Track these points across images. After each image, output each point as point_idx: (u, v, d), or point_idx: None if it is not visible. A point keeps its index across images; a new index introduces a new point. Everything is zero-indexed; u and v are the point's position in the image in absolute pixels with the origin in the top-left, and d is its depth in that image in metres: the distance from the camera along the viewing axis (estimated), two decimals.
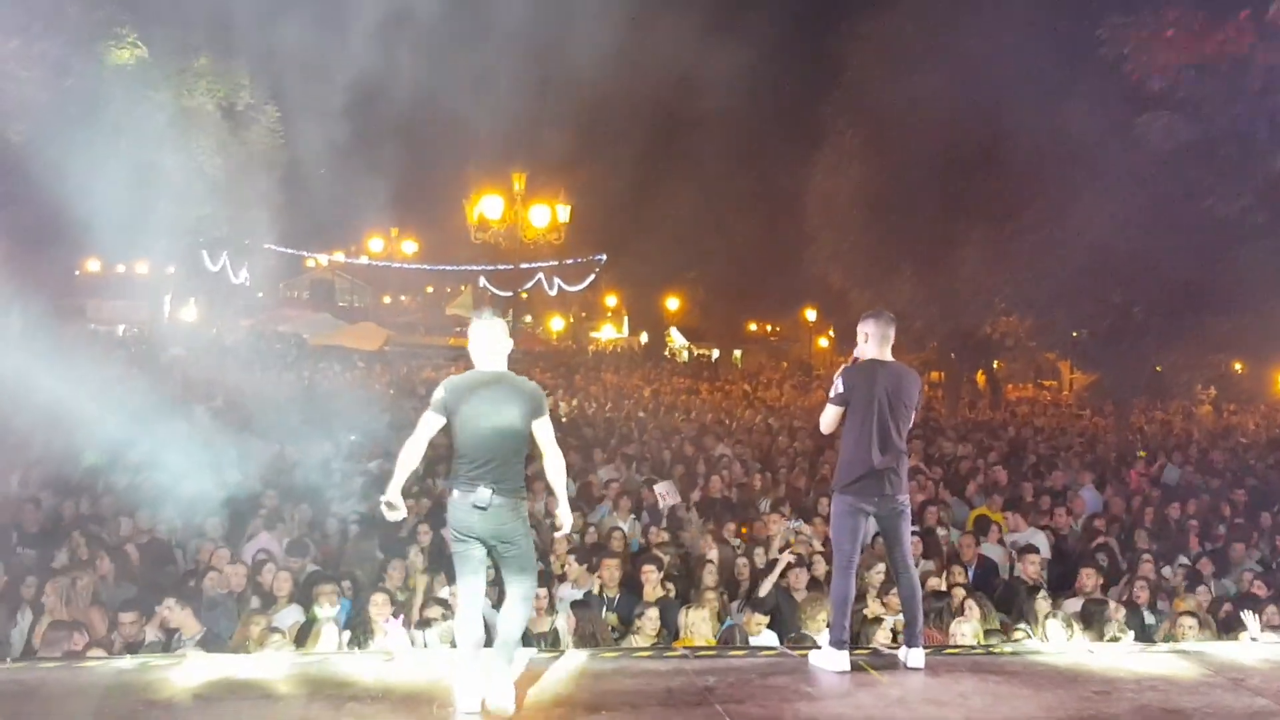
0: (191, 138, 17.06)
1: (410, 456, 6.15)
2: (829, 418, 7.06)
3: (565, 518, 6.57)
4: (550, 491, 7.17)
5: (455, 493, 6.07)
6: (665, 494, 13.45)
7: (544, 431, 6.22)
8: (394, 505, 6.13)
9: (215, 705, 6.09)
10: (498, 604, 6.95)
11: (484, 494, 5.96)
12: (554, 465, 6.30)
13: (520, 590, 6.21)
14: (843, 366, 7.21)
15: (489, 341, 6.25)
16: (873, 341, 7.01)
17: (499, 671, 6.00)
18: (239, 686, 6.40)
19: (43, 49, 10.45)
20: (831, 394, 7.02)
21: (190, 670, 6.68)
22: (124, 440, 12.76)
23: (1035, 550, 10.85)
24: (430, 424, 6.11)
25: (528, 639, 8.66)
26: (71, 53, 10.82)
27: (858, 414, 6.88)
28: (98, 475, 13.98)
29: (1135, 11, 16.11)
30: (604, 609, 9.51)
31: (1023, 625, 9.03)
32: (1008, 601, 9.91)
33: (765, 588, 9.67)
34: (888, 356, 7.02)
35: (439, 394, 6.11)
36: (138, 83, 13.86)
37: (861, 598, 9.28)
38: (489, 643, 6.24)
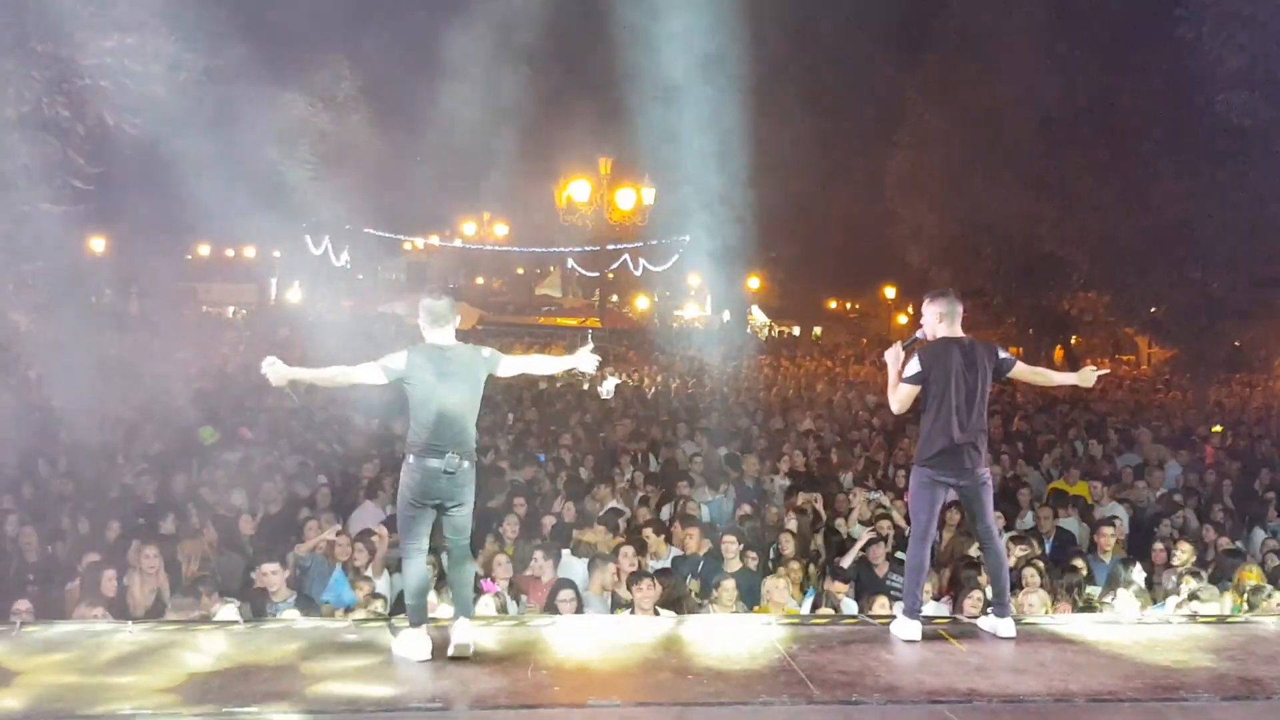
0: (295, 128, 17.59)
1: (334, 376, 6.56)
2: (903, 396, 7.09)
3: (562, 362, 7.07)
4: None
5: (423, 460, 6.38)
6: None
7: (510, 362, 6.74)
8: (277, 372, 6.35)
9: (321, 666, 6.33)
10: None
11: (453, 460, 6.36)
12: (535, 364, 7.10)
13: (464, 545, 6.71)
14: (901, 341, 7.34)
15: (446, 314, 6.54)
16: (944, 320, 7.10)
17: (465, 619, 6.55)
18: (344, 648, 6.66)
19: (157, 46, 10.91)
20: (907, 374, 7.05)
21: (296, 633, 6.98)
22: (236, 416, 13.30)
23: (1111, 523, 10.95)
24: (372, 377, 6.42)
25: (616, 603, 9.06)
26: (184, 49, 11.27)
27: (936, 391, 6.95)
28: (213, 450, 14.48)
29: None
30: (689, 575, 9.71)
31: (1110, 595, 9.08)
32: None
33: (849, 559, 9.91)
34: (959, 332, 7.12)
35: (394, 364, 6.39)
36: (243, 76, 14.35)
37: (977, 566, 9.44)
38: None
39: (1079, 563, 9.78)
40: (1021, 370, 7.28)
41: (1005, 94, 23.47)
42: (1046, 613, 8.40)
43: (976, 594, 8.60)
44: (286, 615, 8.15)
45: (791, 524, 10.92)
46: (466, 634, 6.48)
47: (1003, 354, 7.20)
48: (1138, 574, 9.28)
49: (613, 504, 11.98)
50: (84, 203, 11.70)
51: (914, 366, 7.04)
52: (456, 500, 6.52)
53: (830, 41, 36.26)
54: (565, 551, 10.07)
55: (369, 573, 9.57)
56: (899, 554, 10.22)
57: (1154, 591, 9.32)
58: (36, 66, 10.52)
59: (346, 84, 20.76)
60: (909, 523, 11.40)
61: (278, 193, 16.11)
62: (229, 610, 8.03)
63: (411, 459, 6.44)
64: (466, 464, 6.46)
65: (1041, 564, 9.70)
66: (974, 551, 9.93)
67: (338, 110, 20.88)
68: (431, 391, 6.38)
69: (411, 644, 6.47)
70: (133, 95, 11.07)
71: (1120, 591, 8.74)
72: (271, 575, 8.83)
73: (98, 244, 25.61)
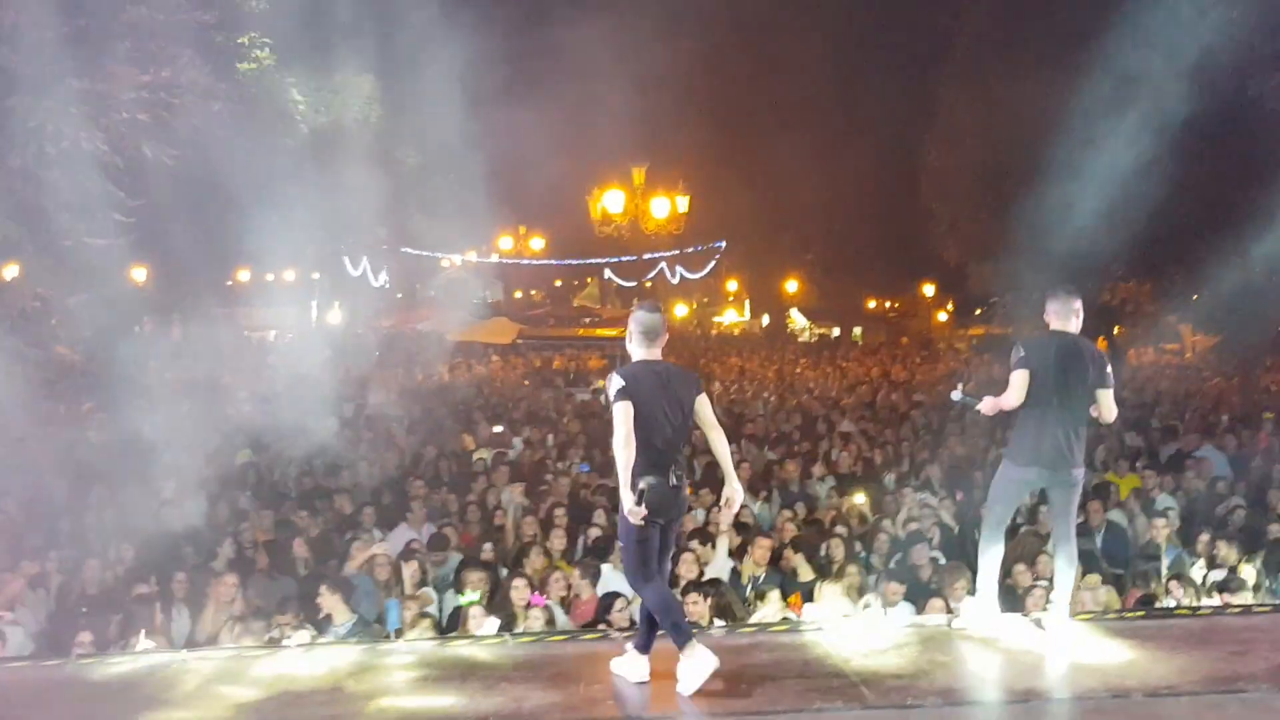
0: (330, 151, 17.74)
1: (629, 451, 6.17)
2: (1015, 386, 6.97)
3: (737, 492, 6.52)
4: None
5: (650, 479, 6.12)
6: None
7: (706, 409, 6.46)
8: (634, 510, 6.11)
9: (377, 687, 6.36)
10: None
11: (678, 475, 6.24)
12: (720, 440, 6.50)
13: (667, 567, 6.53)
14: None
15: (652, 332, 6.44)
16: (1053, 317, 7.10)
17: (697, 646, 6.15)
18: (397, 669, 6.67)
19: (191, 77, 11.04)
20: (1012, 360, 7.03)
21: (350, 655, 6.99)
22: (286, 436, 13.48)
23: (1164, 515, 10.84)
24: (630, 412, 6.14)
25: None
26: (218, 79, 11.39)
27: (1034, 383, 6.90)
28: (251, 471, 14.58)
29: None
30: (749, 587, 9.66)
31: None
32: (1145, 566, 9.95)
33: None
34: (1069, 329, 7.06)
35: (620, 383, 6.20)
36: (277, 102, 14.51)
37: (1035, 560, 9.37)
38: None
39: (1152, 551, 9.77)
40: (1104, 397, 7.02)
41: (1035, 85, 23.35)
42: (1107, 607, 8.35)
43: (1038, 592, 8.60)
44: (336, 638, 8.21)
45: (841, 529, 10.88)
46: (701, 668, 6.08)
47: (1108, 369, 7.08)
48: (1197, 569, 9.22)
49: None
50: (125, 235, 11.85)
51: (1018, 352, 7.03)
52: (676, 519, 6.45)
53: (861, 40, 36.20)
54: (606, 566, 10.04)
55: (417, 592, 9.60)
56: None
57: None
58: (75, 103, 10.67)
59: (379, 104, 20.94)
60: (956, 522, 11.45)
61: (315, 216, 16.27)
62: (302, 635, 8.09)
63: (647, 479, 6.16)
64: (685, 479, 6.40)
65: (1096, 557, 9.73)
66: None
67: (371, 130, 21.06)
68: (653, 410, 6.21)
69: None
70: (169, 127, 11.22)
71: (1174, 583, 8.68)
72: (330, 599, 8.87)
73: (139, 273, 25.92)
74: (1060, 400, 6.88)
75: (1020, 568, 9.43)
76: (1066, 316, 7.06)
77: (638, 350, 6.43)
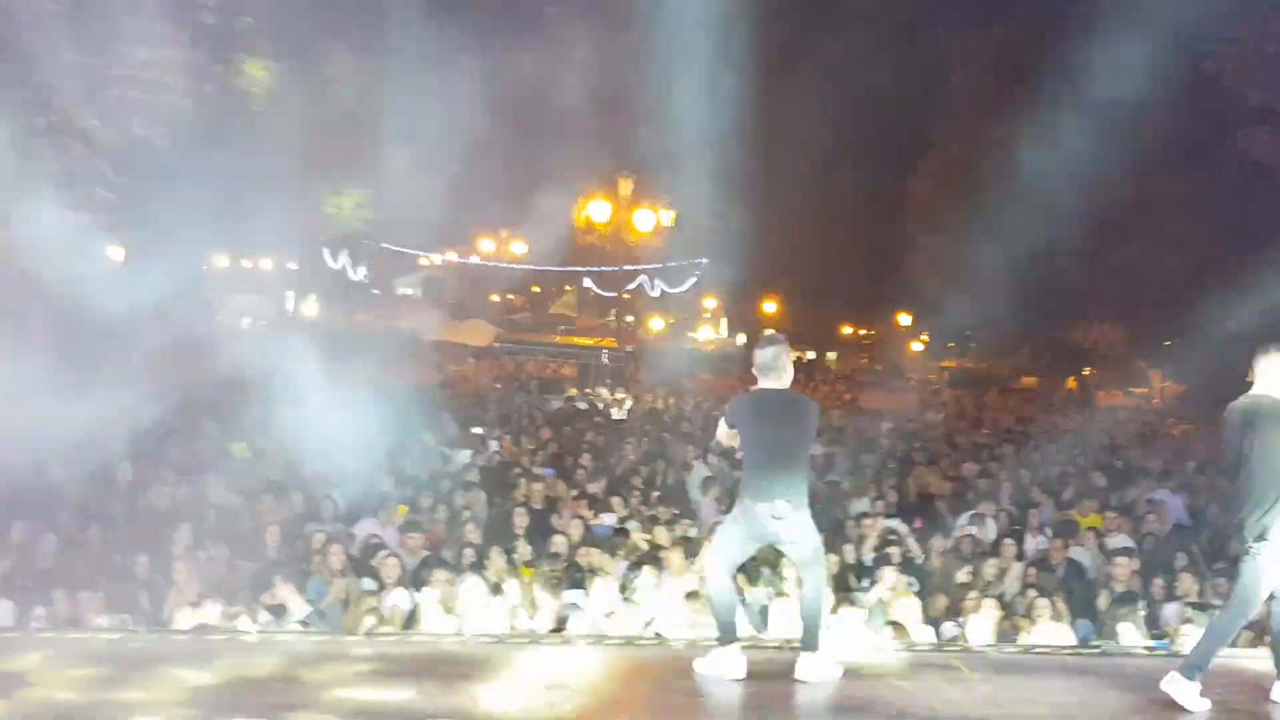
0: (316, 141, 17.66)
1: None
2: (1228, 454, 6.46)
3: None
4: None
5: (750, 502, 6.41)
6: None
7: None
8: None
9: (333, 681, 6.35)
10: None
11: (781, 506, 6.32)
12: None
13: (815, 578, 6.58)
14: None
15: (773, 363, 6.58)
16: (1260, 373, 6.40)
17: (807, 653, 6.53)
18: (353, 664, 6.67)
19: (186, 59, 11.02)
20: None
21: (309, 645, 7.03)
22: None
23: (1127, 554, 10.89)
24: (726, 430, 6.68)
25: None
26: (211, 62, 11.36)
27: (1236, 450, 6.30)
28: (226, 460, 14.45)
29: (1239, 27, 16.05)
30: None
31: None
32: (1088, 604, 10.04)
33: (872, 598, 9.88)
34: (1268, 390, 6.34)
35: (728, 408, 6.69)
36: (268, 89, 14.45)
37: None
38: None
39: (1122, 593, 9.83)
40: None
41: (1025, 124, 23.54)
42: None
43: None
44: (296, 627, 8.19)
45: None
46: (810, 669, 6.51)
47: None
48: (1140, 607, 9.29)
49: (610, 521, 11.95)
50: (108, 211, 11.78)
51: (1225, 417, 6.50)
52: (789, 542, 6.54)
53: (852, 72, 36.36)
54: (579, 593, 9.96)
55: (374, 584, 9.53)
56: None
57: (1155, 625, 9.32)
58: (70, 76, 10.63)
59: (369, 98, 20.91)
60: (922, 549, 11.50)
61: (296, 204, 16.20)
62: (259, 624, 8.05)
63: (743, 501, 6.50)
64: (796, 510, 6.39)
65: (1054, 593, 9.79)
66: (963, 576, 10.23)
67: (359, 124, 21.01)
68: (759, 436, 6.49)
69: (721, 662, 6.53)
70: (163, 107, 11.19)
71: (1122, 625, 8.75)
72: (285, 589, 8.84)
73: (117, 253, 25.68)
74: (1257, 467, 6.22)
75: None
76: (1265, 372, 6.36)
77: (759, 382, 6.63)
